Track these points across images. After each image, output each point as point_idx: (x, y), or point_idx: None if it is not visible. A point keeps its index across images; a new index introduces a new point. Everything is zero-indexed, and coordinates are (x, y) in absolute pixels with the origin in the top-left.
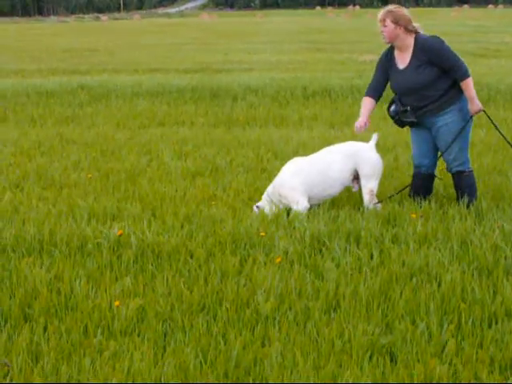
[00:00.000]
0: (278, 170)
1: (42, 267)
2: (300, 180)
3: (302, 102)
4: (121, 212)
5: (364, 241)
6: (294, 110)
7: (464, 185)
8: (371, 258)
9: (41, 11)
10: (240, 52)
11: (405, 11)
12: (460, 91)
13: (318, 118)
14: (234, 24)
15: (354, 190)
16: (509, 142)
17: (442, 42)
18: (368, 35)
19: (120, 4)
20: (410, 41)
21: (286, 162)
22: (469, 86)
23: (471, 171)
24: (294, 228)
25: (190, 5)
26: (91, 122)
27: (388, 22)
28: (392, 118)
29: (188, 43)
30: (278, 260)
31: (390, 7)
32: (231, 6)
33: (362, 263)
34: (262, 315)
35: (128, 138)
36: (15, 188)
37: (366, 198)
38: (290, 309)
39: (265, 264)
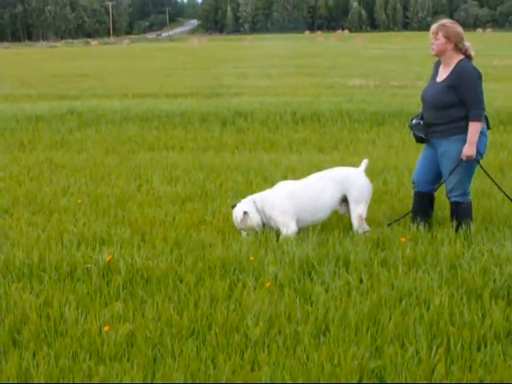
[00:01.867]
0: None
1: (31, 292)
2: (292, 203)
3: (292, 127)
4: (110, 237)
5: (353, 265)
6: (284, 135)
7: (460, 215)
8: (360, 281)
9: (30, 36)
10: (229, 76)
11: (459, 29)
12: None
13: (307, 142)
14: (223, 48)
15: (340, 212)
16: (508, 197)
17: (478, 78)
18: (357, 59)
19: (109, 29)
20: (456, 59)
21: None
22: (474, 129)
23: (469, 203)
24: (284, 252)
25: (179, 29)
26: (81, 147)
27: (440, 35)
28: (410, 129)
29: (177, 68)
30: (268, 284)
31: (445, 21)
32: (220, 31)
33: (351, 287)
34: (251, 340)
35: (118, 162)
36: (4, 213)
37: (355, 222)
38: (280, 333)
39: (254, 288)
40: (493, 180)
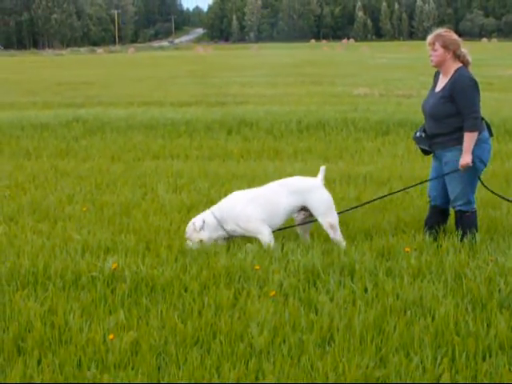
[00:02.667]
0: None
1: (36, 300)
2: (253, 208)
3: (297, 135)
4: (115, 245)
5: (358, 274)
6: (289, 143)
7: (464, 224)
8: (365, 291)
9: (36, 44)
10: (235, 85)
11: (454, 36)
12: None
13: (312, 151)
14: (228, 57)
15: (296, 220)
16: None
17: (473, 87)
18: (362, 68)
19: (115, 37)
20: (454, 68)
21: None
22: (469, 139)
23: (474, 212)
24: (288, 261)
25: (184, 38)
26: (86, 155)
27: (437, 45)
28: (415, 142)
29: (183, 76)
30: (273, 293)
31: (440, 31)
32: (226, 39)
33: (356, 296)
34: (255, 348)
35: (123, 170)
36: (10, 221)
37: (330, 232)
38: (284, 342)
39: (259, 297)
40: (491, 190)
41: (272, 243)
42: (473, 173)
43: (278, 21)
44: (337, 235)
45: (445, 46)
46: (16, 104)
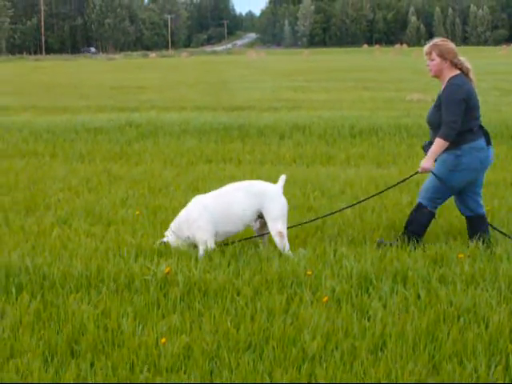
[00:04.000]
0: (325, 208)
1: (89, 303)
2: (207, 217)
3: (349, 141)
4: (168, 249)
5: (411, 280)
6: (341, 149)
7: (414, 217)
8: (418, 297)
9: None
10: (287, 90)
11: (451, 45)
12: (461, 139)
13: (364, 156)
14: (281, 62)
15: (253, 229)
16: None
17: (453, 96)
18: (415, 74)
19: (168, 41)
20: (450, 76)
21: (332, 201)
22: (438, 145)
23: (430, 212)
24: (341, 267)
25: (237, 42)
26: (139, 159)
27: (434, 55)
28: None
29: (235, 81)
30: (325, 299)
31: (437, 40)
32: (278, 44)
33: (409, 303)
34: (308, 354)
35: (175, 174)
36: (63, 224)
37: (277, 240)
38: (337, 348)
39: (311, 303)
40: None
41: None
42: (448, 177)
43: (331, 26)
44: (284, 247)
45: (441, 55)
46: (70, 108)
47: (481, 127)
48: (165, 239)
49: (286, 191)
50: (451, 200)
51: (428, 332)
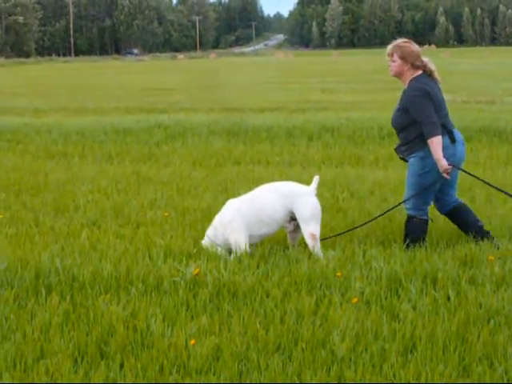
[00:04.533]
0: (354, 210)
1: (118, 305)
2: (241, 220)
3: (378, 142)
4: (197, 250)
5: (441, 282)
6: (370, 150)
7: (409, 229)
8: (448, 299)
9: (118, 50)
10: (315, 91)
11: (413, 47)
12: (423, 141)
13: (393, 157)
14: (309, 63)
15: (287, 230)
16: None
17: (415, 95)
18: (444, 74)
19: (196, 43)
20: (410, 78)
21: (361, 202)
22: (432, 145)
23: (422, 220)
24: (371, 268)
25: (266, 44)
26: (167, 161)
27: (396, 56)
28: None
29: (263, 82)
30: (354, 300)
31: (399, 42)
32: (306, 45)
33: (439, 304)
34: (337, 356)
35: (204, 176)
36: (92, 225)
37: (309, 241)
38: (366, 350)
39: (341, 304)
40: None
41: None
42: (420, 181)
43: (359, 27)
44: (316, 249)
45: (403, 58)
46: (99, 109)
47: (443, 126)
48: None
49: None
50: (481, 201)
51: (458, 334)
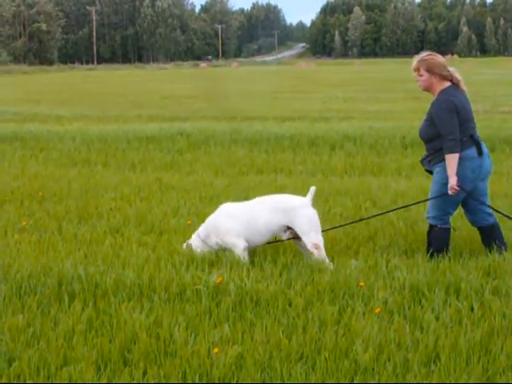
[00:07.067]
0: (377, 219)
1: (141, 312)
2: (234, 222)
3: (401, 151)
4: (219, 259)
5: (464, 292)
6: (393, 160)
7: (431, 238)
8: (471, 310)
9: (141, 58)
10: (338, 100)
11: (438, 58)
12: None
13: (416, 167)
14: (331, 72)
15: (283, 238)
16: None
17: (447, 109)
18: (467, 84)
19: (218, 51)
20: (440, 89)
21: (383, 211)
22: (448, 161)
23: (443, 229)
24: (394, 278)
25: (287, 53)
26: (190, 169)
27: (422, 71)
28: None
29: (286, 91)
30: (377, 310)
31: (423, 55)
32: (329, 55)
33: (462, 315)
34: (360, 366)
35: (227, 184)
36: (115, 233)
37: (314, 251)
38: (389, 360)
39: (363, 314)
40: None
41: (246, 258)
42: (443, 190)
43: (381, 36)
44: (323, 258)
45: (429, 70)
46: (121, 117)
47: (471, 137)
48: (190, 241)
49: (338, 202)
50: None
51: (481, 345)
